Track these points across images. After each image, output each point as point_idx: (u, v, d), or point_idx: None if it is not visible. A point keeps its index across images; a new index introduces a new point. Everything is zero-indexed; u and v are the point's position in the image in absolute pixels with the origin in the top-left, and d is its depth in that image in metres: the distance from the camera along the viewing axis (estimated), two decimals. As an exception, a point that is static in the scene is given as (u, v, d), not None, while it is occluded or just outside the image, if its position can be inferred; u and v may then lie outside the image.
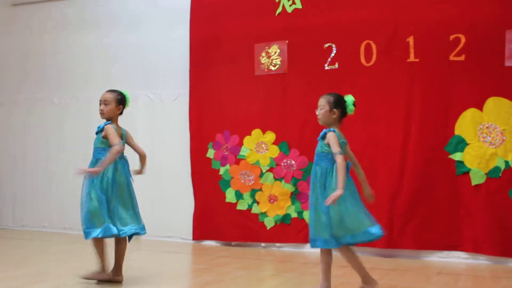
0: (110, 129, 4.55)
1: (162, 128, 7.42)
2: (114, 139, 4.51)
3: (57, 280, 4.79)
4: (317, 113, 4.19)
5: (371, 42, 6.25)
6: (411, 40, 6.07)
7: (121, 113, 4.75)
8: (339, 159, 3.95)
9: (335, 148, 3.99)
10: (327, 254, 4.12)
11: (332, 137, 4.02)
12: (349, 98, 4.19)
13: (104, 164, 4.43)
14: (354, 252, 4.17)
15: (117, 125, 4.71)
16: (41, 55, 8.32)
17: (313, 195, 4.12)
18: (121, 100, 4.71)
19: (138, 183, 7.47)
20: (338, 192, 3.86)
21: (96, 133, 4.66)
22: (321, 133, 4.14)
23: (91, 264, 4.75)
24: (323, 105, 4.16)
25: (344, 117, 4.21)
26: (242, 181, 6.81)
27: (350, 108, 4.16)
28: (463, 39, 5.85)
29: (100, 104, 4.68)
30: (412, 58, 6.08)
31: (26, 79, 8.43)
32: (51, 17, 8.30)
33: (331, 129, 4.09)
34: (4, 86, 8.59)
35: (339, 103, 4.16)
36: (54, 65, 8.22)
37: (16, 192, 8.42)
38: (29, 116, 8.36)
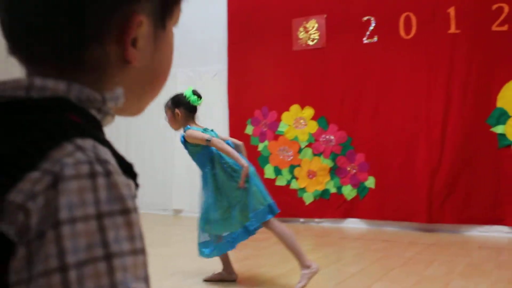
0: None
1: (200, 105, 7.44)
2: None
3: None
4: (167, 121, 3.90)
5: (410, 14, 6.14)
6: (452, 11, 5.94)
7: None
8: (214, 143, 3.63)
9: (202, 138, 3.66)
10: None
11: (190, 134, 3.70)
12: (186, 91, 3.86)
13: None
14: None
15: None
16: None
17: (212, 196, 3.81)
18: None
19: (180, 160, 7.62)
20: (245, 169, 3.63)
21: None
22: (181, 139, 3.80)
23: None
24: (166, 113, 3.86)
25: (194, 111, 3.87)
26: (281, 157, 6.82)
27: (192, 99, 3.81)
28: (506, 9, 5.69)
29: None
30: (453, 29, 5.95)
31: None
32: None
33: (185, 128, 3.77)
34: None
35: (176, 102, 3.82)
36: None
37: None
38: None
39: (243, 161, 3.65)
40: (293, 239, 3.69)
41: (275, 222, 3.73)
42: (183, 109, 3.82)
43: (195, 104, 3.85)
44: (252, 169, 3.76)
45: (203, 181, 3.86)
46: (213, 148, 3.71)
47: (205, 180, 3.83)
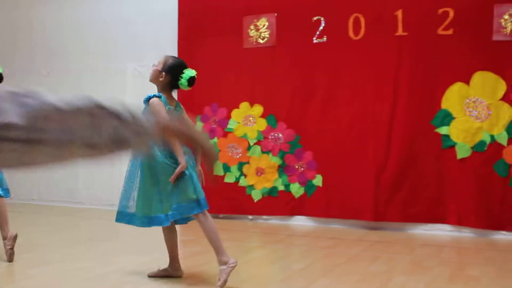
0: None
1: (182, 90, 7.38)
2: None
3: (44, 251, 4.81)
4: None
5: (359, 15, 6.23)
6: (399, 13, 6.05)
7: None
8: None
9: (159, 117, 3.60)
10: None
11: (154, 104, 3.61)
12: (188, 72, 3.75)
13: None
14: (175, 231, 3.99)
15: None
16: (30, 27, 8.24)
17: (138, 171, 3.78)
18: None
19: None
20: (181, 165, 3.59)
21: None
22: (145, 97, 3.71)
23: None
24: (158, 63, 3.78)
25: (176, 88, 3.83)
26: (230, 154, 6.82)
27: (182, 82, 3.73)
28: (451, 13, 5.84)
29: None
30: (400, 31, 6.07)
31: (16, 51, 8.36)
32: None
33: (157, 94, 3.70)
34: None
35: (172, 70, 3.74)
36: (43, 38, 8.15)
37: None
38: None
39: (183, 159, 3.62)
40: (216, 234, 3.70)
41: (203, 216, 3.72)
42: (169, 78, 3.75)
43: (180, 86, 3.78)
44: (191, 162, 3.75)
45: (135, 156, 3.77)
46: None
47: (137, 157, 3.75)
